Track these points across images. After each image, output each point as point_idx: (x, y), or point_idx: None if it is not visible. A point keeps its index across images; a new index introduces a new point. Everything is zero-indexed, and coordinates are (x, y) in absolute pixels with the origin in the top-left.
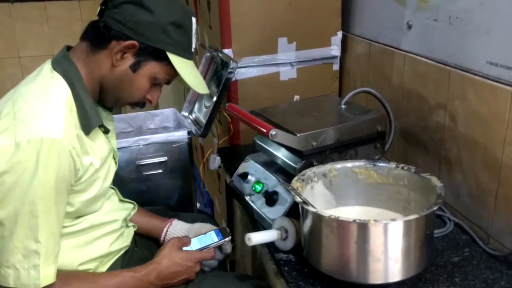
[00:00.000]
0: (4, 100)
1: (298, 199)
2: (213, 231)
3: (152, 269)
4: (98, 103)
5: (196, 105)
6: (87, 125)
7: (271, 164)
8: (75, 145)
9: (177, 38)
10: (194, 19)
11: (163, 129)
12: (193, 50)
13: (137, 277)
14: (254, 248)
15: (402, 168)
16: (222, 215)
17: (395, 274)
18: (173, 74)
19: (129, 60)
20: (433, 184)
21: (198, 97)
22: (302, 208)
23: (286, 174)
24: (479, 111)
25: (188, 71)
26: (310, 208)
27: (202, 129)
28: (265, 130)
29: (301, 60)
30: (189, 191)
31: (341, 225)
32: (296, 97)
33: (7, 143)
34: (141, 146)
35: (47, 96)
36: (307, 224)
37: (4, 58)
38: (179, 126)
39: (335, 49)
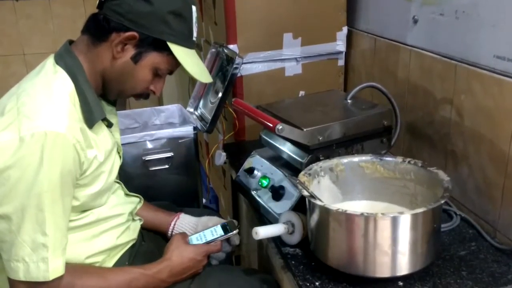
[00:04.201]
0: (8, 95)
1: (305, 193)
2: (220, 225)
3: (165, 267)
4: (101, 97)
5: (202, 101)
6: (90, 119)
7: (277, 159)
8: (79, 138)
9: (177, 28)
10: (194, 8)
11: (168, 125)
12: (194, 39)
13: (149, 274)
14: (260, 242)
15: (409, 162)
16: (227, 211)
17: (402, 267)
18: (175, 64)
19: (130, 51)
20: (440, 178)
21: (204, 93)
22: (309, 202)
23: (292, 168)
24: (485, 105)
25: (190, 60)
26: (318, 202)
27: (208, 125)
28: (271, 125)
29: (306, 56)
30: (195, 186)
31: (348, 218)
32: (301, 93)
33: (12, 138)
34: (147, 141)
35: (50, 90)
36: (314, 218)
37: (9, 55)
38: (184, 122)
39: (340, 45)
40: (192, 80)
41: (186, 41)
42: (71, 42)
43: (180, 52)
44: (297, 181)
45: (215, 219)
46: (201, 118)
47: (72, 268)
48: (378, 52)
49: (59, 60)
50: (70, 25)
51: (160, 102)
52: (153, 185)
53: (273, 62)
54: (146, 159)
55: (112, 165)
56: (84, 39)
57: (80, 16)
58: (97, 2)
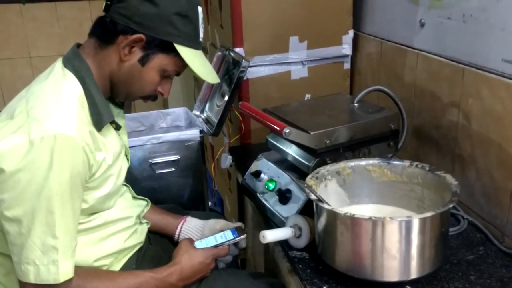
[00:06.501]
0: (17, 99)
1: (313, 197)
2: (229, 230)
3: (175, 270)
4: (109, 100)
5: (208, 104)
6: (99, 121)
7: (284, 163)
8: (88, 141)
9: (184, 29)
10: (200, 8)
11: (174, 128)
12: (200, 39)
13: (159, 278)
14: (266, 246)
15: (416, 166)
16: (232, 214)
17: (410, 271)
18: (182, 65)
19: (137, 54)
20: (448, 182)
21: (210, 96)
22: (317, 205)
23: (298, 172)
24: (493, 109)
25: (197, 61)
26: (325, 206)
27: (214, 128)
28: (278, 128)
29: (312, 59)
30: (201, 189)
31: (356, 222)
32: (307, 96)
33: (21, 141)
34: (153, 144)
35: (59, 93)
36: (322, 221)
37: (16, 58)
38: (190, 125)
39: (346, 48)
40: (198, 83)
41: (193, 42)
42: (79, 45)
43: (187, 53)
44: (305, 184)
45: (222, 222)
46: (207, 121)
47: (82, 271)
48: (384, 55)
49: (67, 64)
50: (76, 28)
51: (165, 105)
52: (159, 188)
53: (279, 66)
54: (153, 162)
55: (120, 167)
56: (91, 42)
57: (86, 19)
58: (104, 5)
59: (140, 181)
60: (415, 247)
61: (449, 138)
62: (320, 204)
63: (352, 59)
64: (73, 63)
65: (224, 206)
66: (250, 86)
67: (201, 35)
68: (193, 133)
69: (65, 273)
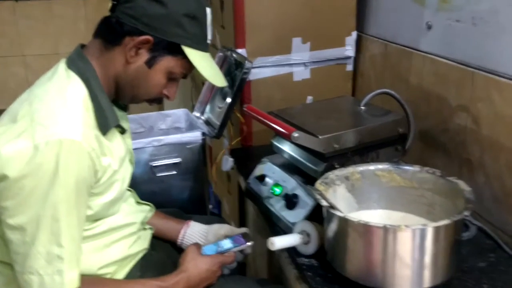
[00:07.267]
0: (19, 101)
1: (324, 203)
2: (235, 236)
3: (181, 278)
4: (113, 102)
5: (208, 106)
6: (104, 125)
7: (289, 166)
8: (93, 146)
9: (192, 31)
10: (208, 10)
11: (174, 129)
12: (208, 41)
13: (166, 286)
14: (270, 251)
15: (427, 171)
16: (231, 216)
17: (423, 280)
18: (190, 67)
19: (144, 55)
20: (461, 188)
21: (210, 97)
22: (328, 212)
23: (305, 176)
24: (504, 113)
25: (205, 63)
26: (337, 213)
27: (217, 130)
28: (287, 132)
29: (315, 61)
30: (202, 192)
31: (369, 230)
32: (309, 98)
33: (26, 146)
34: (155, 147)
35: (64, 96)
36: (333, 228)
37: (8, 56)
38: (191, 126)
39: (349, 50)
40: (195, 84)
41: (200, 44)
42: (82, 46)
43: (195, 56)
44: (318, 191)
45: (226, 227)
46: (208, 123)
47: (87, 280)
48: (389, 57)
49: (71, 65)
50: (70, 26)
51: (161, 107)
52: (160, 191)
53: (282, 67)
54: (153, 164)
55: (125, 173)
56: (96, 43)
57: (81, 17)
58: (110, 5)
59: (140, 184)
60: (429, 255)
61: (456, 142)
62: (331, 211)
63: (355, 61)
64: (78, 64)
65: (221, 208)
66: (252, 87)
67: (209, 37)
68: (195, 135)
69: (71, 283)
